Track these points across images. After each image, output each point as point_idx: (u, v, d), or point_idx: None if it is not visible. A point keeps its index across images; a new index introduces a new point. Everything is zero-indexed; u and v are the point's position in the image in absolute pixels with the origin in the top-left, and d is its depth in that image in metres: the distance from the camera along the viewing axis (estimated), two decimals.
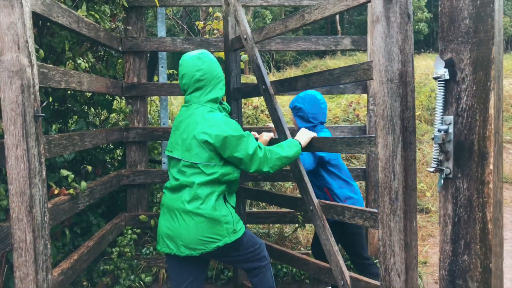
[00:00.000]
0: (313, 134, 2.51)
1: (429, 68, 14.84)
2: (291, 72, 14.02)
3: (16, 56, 1.86)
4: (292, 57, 20.24)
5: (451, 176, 1.58)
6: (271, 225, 4.11)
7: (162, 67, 3.94)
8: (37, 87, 2.01)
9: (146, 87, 3.59)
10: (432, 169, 1.61)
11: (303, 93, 2.93)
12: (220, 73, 2.37)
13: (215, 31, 3.96)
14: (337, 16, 22.01)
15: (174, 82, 4.64)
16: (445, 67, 1.57)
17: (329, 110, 6.57)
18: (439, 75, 1.58)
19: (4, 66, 1.86)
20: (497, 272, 1.60)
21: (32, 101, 1.94)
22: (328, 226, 2.41)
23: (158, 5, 3.40)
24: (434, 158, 1.61)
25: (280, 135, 2.68)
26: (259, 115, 5.37)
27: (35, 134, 1.96)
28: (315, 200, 2.45)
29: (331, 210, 2.39)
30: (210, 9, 4.29)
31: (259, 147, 2.28)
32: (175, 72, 4.80)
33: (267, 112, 5.60)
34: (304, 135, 2.50)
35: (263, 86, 2.72)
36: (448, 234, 1.62)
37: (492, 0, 1.47)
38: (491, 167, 1.53)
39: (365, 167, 3.76)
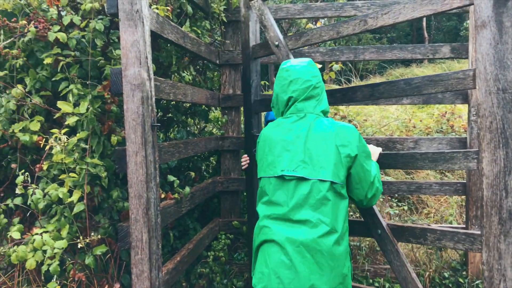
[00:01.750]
0: (379, 149, 2.27)
1: None
2: (376, 81, 13.67)
3: (138, 70, 2.04)
4: (376, 65, 19.74)
5: None
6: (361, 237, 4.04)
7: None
8: (153, 99, 2.18)
9: (240, 98, 3.72)
10: None
11: None
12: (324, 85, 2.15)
13: None
14: (424, 22, 21.10)
15: (266, 93, 4.74)
16: None
17: (420, 121, 6.31)
18: None
19: (127, 80, 2.05)
20: None
21: (150, 111, 2.12)
22: (401, 251, 2.20)
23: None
24: None
25: None
26: None
27: (151, 142, 2.13)
28: (383, 223, 2.24)
29: (406, 233, 2.17)
30: (304, 21, 4.35)
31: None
32: (267, 83, 4.94)
33: (355, 122, 5.52)
34: (374, 151, 2.23)
35: None
36: None
37: None
38: None
39: (464, 181, 3.56)
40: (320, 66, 3.87)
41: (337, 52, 3.43)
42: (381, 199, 4.58)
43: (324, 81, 4.32)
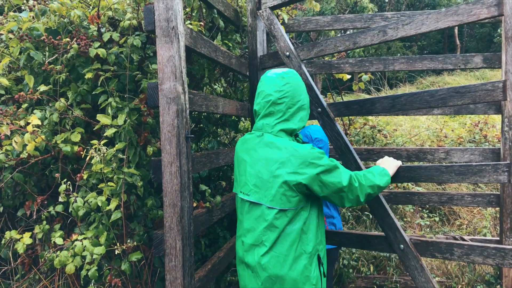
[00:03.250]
0: (399, 163, 2.22)
1: None
2: (405, 89, 13.50)
3: (174, 84, 2.14)
4: (406, 73, 19.48)
5: None
6: None
7: None
8: (188, 111, 2.27)
9: None
10: None
11: (314, 126, 2.73)
12: (305, 100, 1.97)
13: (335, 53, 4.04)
14: (456, 29, 20.72)
15: None
16: None
17: (452, 130, 6.21)
18: None
19: (163, 94, 2.15)
20: None
21: (184, 123, 2.21)
22: (426, 266, 2.15)
23: (284, 31, 3.61)
24: None
25: (350, 166, 2.36)
26: (376, 135, 5.29)
27: (185, 153, 2.22)
28: (406, 238, 2.19)
29: (431, 248, 2.12)
30: (333, 32, 4.38)
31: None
32: None
33: (385, 131, 5.50)
34: (390, 164, 2.17)
35: (319, 109, 2.43)
36: None
37: None
38: None
39: (498, 192, 3.50)
40: (349, 76, 3.90)
41: (367, 63, 3.45)
42: (412, 210, 4.53)
43: (353, 91, 4.34)
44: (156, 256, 2.41)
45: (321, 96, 2.44)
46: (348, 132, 4.46)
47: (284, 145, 1.82)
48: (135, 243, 2.52)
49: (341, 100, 3.33)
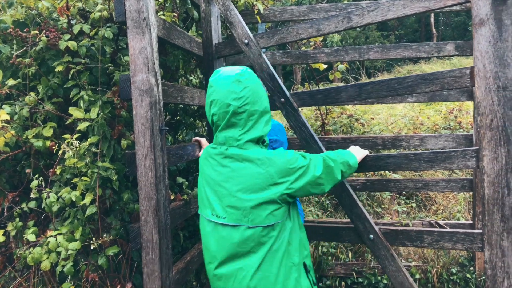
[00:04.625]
0: (366, 152, 2.17)
1: None
2: (383, 78, 13.60)
3: (146, 76, 2.11)
4: (384, 62, 19.66)
5: None
6: None
7: None
8: (161, 103, 2.25)
9: None
10: None
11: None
12: (265, 101, 1.77)
13: (312, 43, 4.05)
14: (432, 18, 20.95)
15: None
16: None
17: (427, 118, 6.32)
18: None
19: (136, 86, 2.12)
20: None
21: (158, 115, 2.18)
22: (396, 255, 2.14)
23: (259, 21, 3.59)
24: None
25: None
26: (354, 124, 5.34)
27: (160, 145, 2.20)
28: (376, 228, 2.17)
29: (400, 237, 2.13)
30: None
31: None
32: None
33: (362, 120, 5.55)
34: (358, 151, 2.13)
35: (282, 99, 2.33)
36: None
37: None
38: None
39: (471, 177, 3.58)
40: (326, 66, 3.91)
41: (342, 52, 3.46)
42: (389, 197, 4.61)
43: (331, 81, 4.37)
44: (134, 249, 2.40)
45: (283, 86, 2.36)
46: (326, 121, 4.49)
47: (255, 156, 1.67)
48: (111, 238, 2.49)
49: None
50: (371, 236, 2.19)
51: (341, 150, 2.03)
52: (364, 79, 11.47)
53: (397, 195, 4.77)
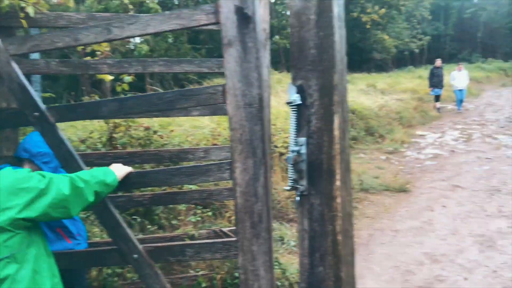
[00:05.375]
0: (129, 169, 2.10)
1: None
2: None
3: None
4: (196, 75, 20.25)
5: (306, 193, 1.70)
6: None
7: (36, 90, 3.71)
8: None
9: (16, 112, 3.35)
10: (288, 188, 1.72)
11: (36, 136, 2.28)
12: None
13: (98, 52, 3.84)
14: None
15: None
16: (297, 93, 1.70)
17: (224, 129, 6.67)
18: (291, 100, 1.70)
19: None
20: (349, 279, 1.74)
21: None
22: (160, 272, 2.14)
23: (25, 26, 3.22)
24: (290, 177, 1.72)
25: None
26: (152, 136, 5.28)
27: None
28: (140, 246, 2.12)
29: (165, 253, 2.13)
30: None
31: None
32: (52, 95, 4.58)
33: (161, 132, 5.54)
34: (119, 168, 2.05)
35: (35, 113, 2.08)
36: (305, 248, 1.72)
37: (333, 32, 1.62)
38: (338, 183, 1.67)
39: None
40: (112, 77, 3.76)
41: (125, 64, 3.36)
42: (184, 208, 4.68)
43: (119, 93, 4.22)
44: None
45: (38, 98, 2.14)
46: (114, 135, 4.32)
47: None
48: None
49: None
50: (135, 256, 2.11)
51: (98, 168, 1.94)
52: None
53: (193, 206, 4.88)
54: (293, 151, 1.65)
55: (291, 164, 1.65)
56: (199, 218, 4.45)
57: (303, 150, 1.68)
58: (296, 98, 1.68)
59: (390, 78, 21.70)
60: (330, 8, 1.60)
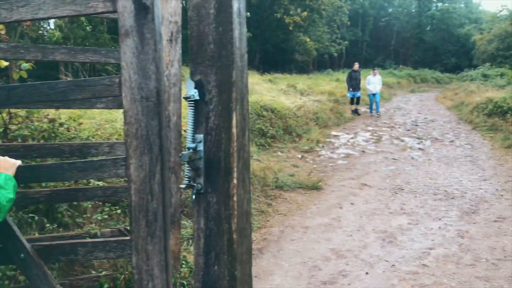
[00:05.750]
0: (18, 162, 1.97)
1: None
2: None
3: None
4: (116, 65, 19.37)
5: (202, 191, 1.66)
6: None
7: None
8: None
9: None
10: (184, 186, 1.67)
11: None
12: None
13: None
14: None
15: None
16: (195, 88, 1.65)
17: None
18: (189, 96, 1.65)
19: None
20: (244, 278, 1.73)
21: None
22: (49, 273, 2.04)
23: None
24: (186, 174, 1.67)
25: None
26: (58, 129, 4.93)
27: None
28: (28, 245, 2.01)
29: (55, 252, 2.04)
30: None
31: None
32: None
33: (68, 125, 5.19)
34: (8, 164, 1.91)
35: None
36: (201, 247, 1.69)
37: (232, 28, 1.59)
38: (235, 181, 1.65)
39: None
40: (7, 63, 3.45)
41: (22, 50, 3.07)
42: (90, 205, 4.43)
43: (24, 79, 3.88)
44: None
45: None
46: (9, 127, 3.96)
47: None
48: None
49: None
50: (22, 255, 1.98)
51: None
52: None
53: (101, 203, 4.64)
54: (189, 148, 1.60)
55: (186, 162, 1.60)
56: (106, 216, 4.24)
57: (201, 147, 1.64)
58: (194, 93, 1.64)
59: (310, 80, 22.51)
60: (230, 3, 1.57)
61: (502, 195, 6.46)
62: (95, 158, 1.90)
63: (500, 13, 40.19)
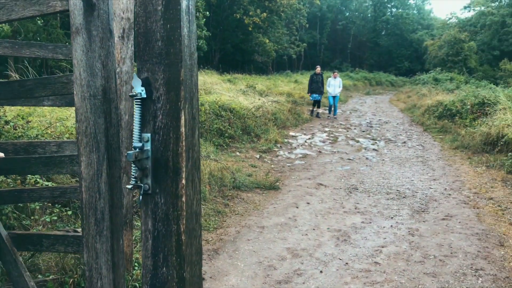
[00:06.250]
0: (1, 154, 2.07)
1: (205, 83, 15.84)
2: None
3: None
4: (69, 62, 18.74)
5: (150, 192, 1.63)
6: None
7: None
8: None
9: None
10: (130, 186, 1.63)
11: None
12: None
13: None
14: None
15: None
16: (142, 86, 1.61)
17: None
18: (136, 94, 1.61)
19: None
20: (193, 279, 1.71)
21: None
22: (21, 260, 2.17)
23: None
24: (133, 174, 1.63)
25: None
26: (3, 127, 4.70)
27: None
28: (4, 232, 2.15)
29: (25, 241, 2.18)
30: None
31: None
32: None
33: (14, 122, 4.97)
34: None
35: None
36: (149, 249, 1.65)
37: (180, 26, 1.57)
38: (184, 181, 1.63)
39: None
40: None
41: None
42: (38, 207, 4.24)
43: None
44: None
45: None
46: None
47: None
48: None
49: None
50: None
51: None
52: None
53: (50, 204, 4.46)
54: (135, 147, 1.56)
55: (132, 161, 1.56)
56: (55, 218, 4.07)
57: (148, 146, 1.60)
58: (142, 91, 1.61)
59: (269, 81, 22.66)
60: (178, 1, 1.55)
61: (450, 194, 6.75)
62: (56, 154, 1.88)
63: (450, 21, 42.23)
